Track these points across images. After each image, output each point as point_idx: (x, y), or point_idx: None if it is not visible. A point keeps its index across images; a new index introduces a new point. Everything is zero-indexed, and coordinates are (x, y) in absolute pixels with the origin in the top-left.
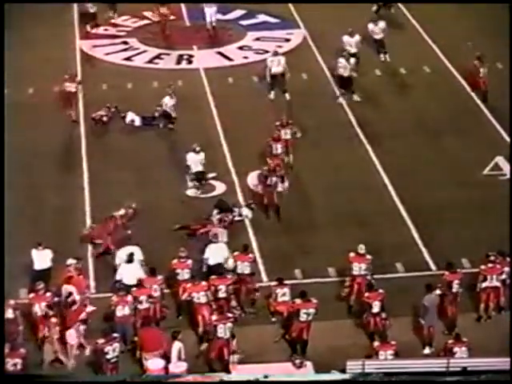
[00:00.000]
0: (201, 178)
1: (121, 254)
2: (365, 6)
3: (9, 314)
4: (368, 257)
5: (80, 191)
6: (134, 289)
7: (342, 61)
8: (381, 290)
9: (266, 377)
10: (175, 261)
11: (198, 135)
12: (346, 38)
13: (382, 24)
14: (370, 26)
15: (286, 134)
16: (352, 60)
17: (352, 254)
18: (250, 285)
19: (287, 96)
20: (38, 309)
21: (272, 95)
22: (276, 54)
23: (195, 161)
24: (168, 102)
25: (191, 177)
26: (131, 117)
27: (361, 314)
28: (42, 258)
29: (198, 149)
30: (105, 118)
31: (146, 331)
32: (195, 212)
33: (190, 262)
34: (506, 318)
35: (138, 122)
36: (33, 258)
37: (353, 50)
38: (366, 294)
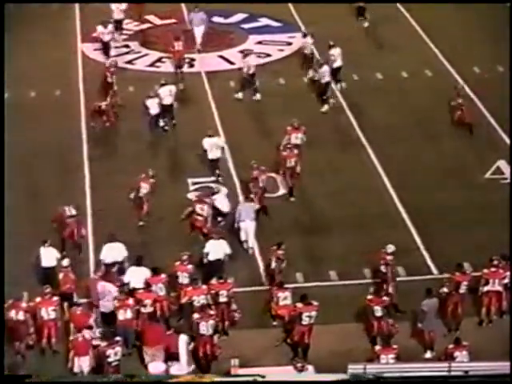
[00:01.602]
0: (215, 167)
1: (105, 250)
2: (366, 7)
3: (20, 316)
4: (388, 257)
5: (81, 194)
6: (141, 291)
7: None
8: (385, 298)
9: (262, 377)
10: (178, 263)
11: (200, 138)
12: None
13: (337, 50)
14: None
15: (296, 138)
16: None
17: (383, 250)
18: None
19: (258, 96)
20: (45, 313)
21: (240, 95)
22: (246, 55)
23: (211, 145)
24: (162, 92)
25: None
26: (153, 103)
27: (364, 317)
28: (48, 256)
29: (210, 133)
30: (104, 107)
31: (149, 326)
32: None
33: (190, 266)
34: (508, 322)
35: (155, 110)
36: (40, 256)
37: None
38: (369, 297)
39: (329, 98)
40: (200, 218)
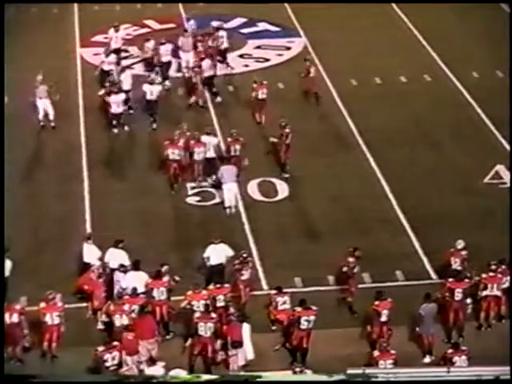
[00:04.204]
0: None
1: (109, 256)
2: (365, 12)
3: (14, 318)
4: (462, 253)
5: (80, 200)
6: (127, 297)
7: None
8: (389, 299)
9: (259, 377)
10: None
11: None
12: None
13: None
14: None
15: (262, 93)
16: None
17: (451, 250)
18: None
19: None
20: (49, 318)
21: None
22: (218, 29)
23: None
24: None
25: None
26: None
27: (368, 322)
28: (90, 253)
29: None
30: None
31: (141, 319)
32: (195, 219)
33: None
34: (507, 327)
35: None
36: (83, 251)
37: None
38: (376, 303)
39: (217, 93)
40: (173, 162)
